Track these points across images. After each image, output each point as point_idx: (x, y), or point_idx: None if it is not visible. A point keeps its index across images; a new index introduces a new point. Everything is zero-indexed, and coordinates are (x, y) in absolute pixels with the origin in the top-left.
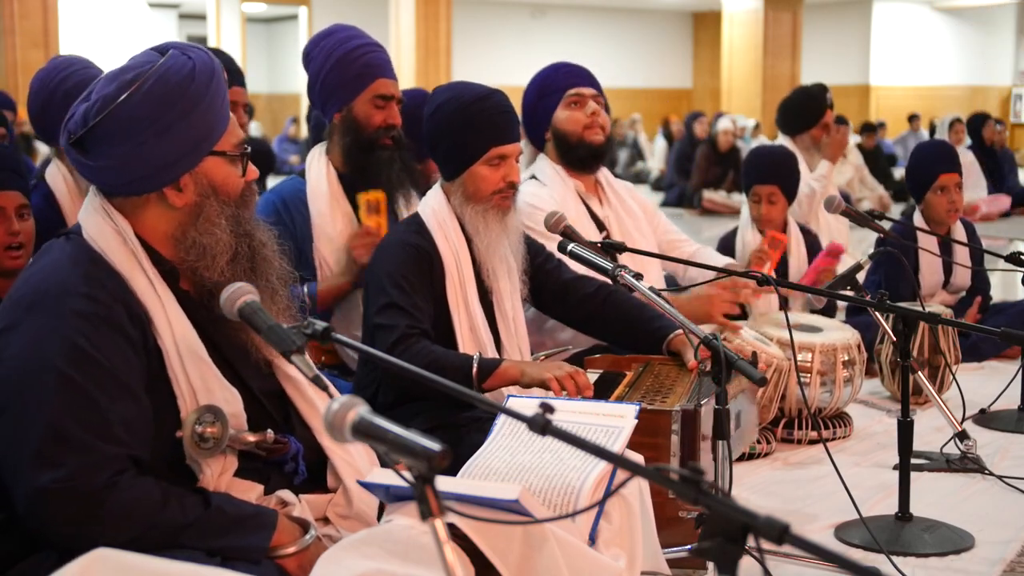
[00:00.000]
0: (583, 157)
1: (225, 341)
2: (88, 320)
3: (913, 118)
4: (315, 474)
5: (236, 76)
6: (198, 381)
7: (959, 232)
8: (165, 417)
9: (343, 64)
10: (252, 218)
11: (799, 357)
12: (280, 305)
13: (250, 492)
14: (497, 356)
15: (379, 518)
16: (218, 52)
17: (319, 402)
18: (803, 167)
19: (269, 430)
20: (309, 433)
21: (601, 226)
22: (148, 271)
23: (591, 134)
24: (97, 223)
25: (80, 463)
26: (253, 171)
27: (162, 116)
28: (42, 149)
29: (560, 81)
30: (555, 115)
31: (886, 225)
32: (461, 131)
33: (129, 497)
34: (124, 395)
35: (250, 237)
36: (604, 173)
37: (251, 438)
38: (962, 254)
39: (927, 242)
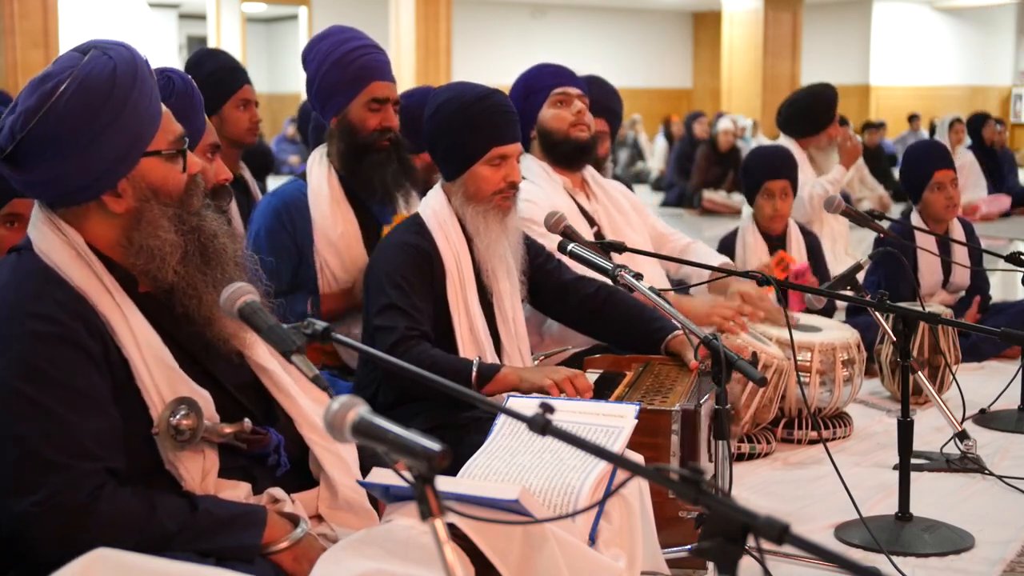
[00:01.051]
0: (569, 154)
1: (191, 340)
2: (45, 341)
3: (913, 118)
4: (298, 466)
5: (242, 74)
6: (166, 388)
7: (957, 231)
8: (137, 426)
9: (338, 67)
10: (198, 211)
11: (798, 357)
12: None
13: (238, 492)
14: (497, 357)
15: (375, 509)
16: (219, 52)
17: (295, 392)
18: (809, 169)
19: (246, 419)
20: (290, 424)
21: (592, 221)
22: (105, 280)
23: (577, 131)
24: (47, 237)
25: (58, 483)
26: (195, 163)
27: (88, 124)
28: None
29: (545, 80)
30: (541, 113)
31: (885, 225)
32: (461, 131)
33: (114, 509)
34: (92, 410)
35: (198, 231)
36: (590, 171)
37: (228, 429)
38: (961, 253)
39: (926, 241)
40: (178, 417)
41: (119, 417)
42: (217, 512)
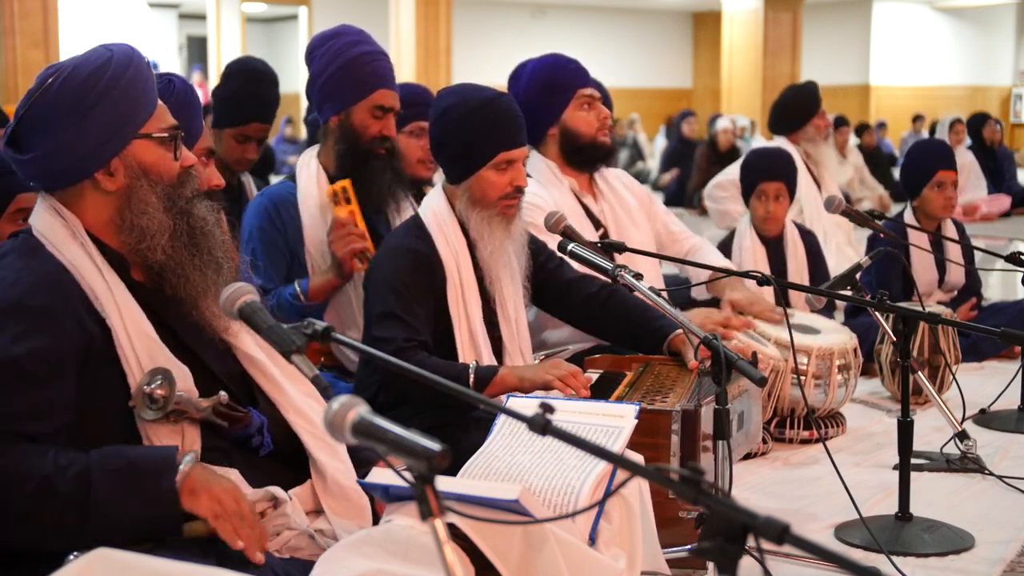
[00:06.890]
0: (590, 157)
1: (180, 323)
2: (8, 313)
3: (918, 119)
4: (282, 449)
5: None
6: (147, 358)
7: (950, 231)
8: (115, 397)
9: (347, 69)
10: (190, 197)
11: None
12: (227, 277)
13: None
14: (497, 361)
15: (370, 505)
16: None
17: (281, 379)
18: (805, 173)
19: (222, 392)
20: (275, 410)
21: (598, 223)
22: (97, 261)
23: (602, 136)
24: (46, 220)
25: None
26: (189, 157)
27: (78, 102)
28: None
29: (570, 79)
30: (566, 114)
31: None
32: (468, 136)
33: (14, 455)
34: (25, 379)
35: (187, 214)
36: (599, 169)
37: (204, 403)
38: (954, 252)
39: (920, 240)
40: (152, 386)
41: (66, 389)
42: (116, 457)
